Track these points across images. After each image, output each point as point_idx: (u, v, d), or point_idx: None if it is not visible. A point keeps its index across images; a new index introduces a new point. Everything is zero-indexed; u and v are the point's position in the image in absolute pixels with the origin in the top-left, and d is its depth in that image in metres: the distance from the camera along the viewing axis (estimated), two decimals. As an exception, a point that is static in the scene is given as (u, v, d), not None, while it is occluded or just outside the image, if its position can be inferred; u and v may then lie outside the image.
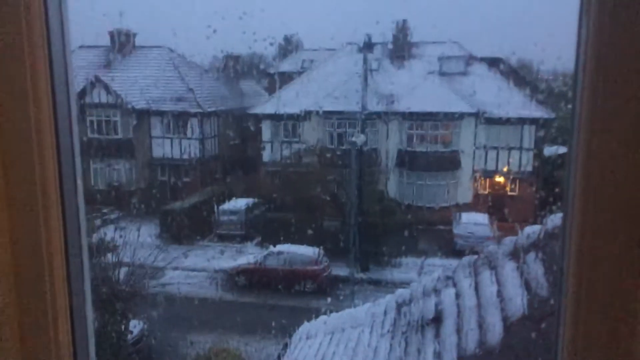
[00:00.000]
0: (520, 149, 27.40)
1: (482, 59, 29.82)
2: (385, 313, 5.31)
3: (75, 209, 1.04)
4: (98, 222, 19.42)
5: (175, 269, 19.41)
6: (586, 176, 0.89)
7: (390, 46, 30.80)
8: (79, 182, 1.06)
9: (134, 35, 33.23)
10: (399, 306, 5.19)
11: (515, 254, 3.91)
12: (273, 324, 15.18)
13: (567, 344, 0.93)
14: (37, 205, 0.96)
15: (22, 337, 0.99)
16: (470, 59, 29.67)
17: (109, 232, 15.88)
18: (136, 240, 15.41)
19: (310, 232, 21.29)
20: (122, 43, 32.54)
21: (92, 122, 29.70)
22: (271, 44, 35.33)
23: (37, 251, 0.97)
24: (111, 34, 32.45)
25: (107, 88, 29.74)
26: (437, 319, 4.14)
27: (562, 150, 29.02)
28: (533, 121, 26.77)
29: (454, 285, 4.47)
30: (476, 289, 4.04)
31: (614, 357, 0.88)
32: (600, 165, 0.87)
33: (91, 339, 1.07)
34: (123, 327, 14.45)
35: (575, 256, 0.90)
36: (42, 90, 0.96)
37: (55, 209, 0.98)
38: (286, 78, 31.33)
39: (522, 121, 26.43)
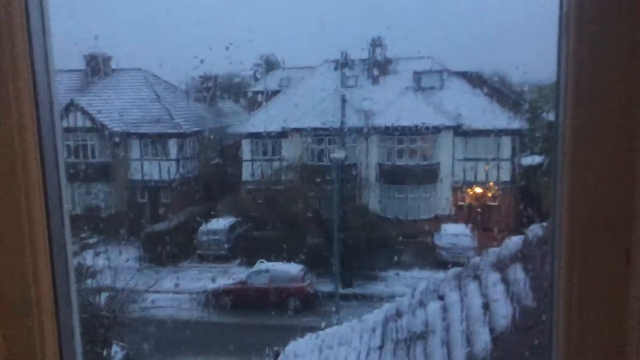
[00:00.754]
0: (498, 159, 27.81)
1: (458, 73, 30.33)
2: (372, 329, 5.30)
3: (62, 239, 1.02)
4: (76, 247, 19.08)
5: (158, 292, 19.09)
6: (572, 188, 0.90)
7: (367, 62, 31.16)
8: (66, 210, 1.05)
9: (110, 58, 33.06)
10: (386, 321, 5.18)
11: (499, 265, 3.94)
12: (260, 343, 15.00)
13: (560, 355, 0.94)
14: (23, 235, 0.94)
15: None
16: (445, 73, 30.16)
17: (88, 258, 15.59)
18: (116, 265, 15.17)
19: (293, 249, 21.20)
20: (97, 66, 32.33)
21: (69, 146, 29.30)
22: (256, 67, 35.50)
23: (25, 284, 0.95)
24: (86, 58, 32.23)
25: (83, 112, 29.45)
26: (425, 333, 4.13)
27: (538, 160, 29.54)
28: (509, 132, 27.23)
29: (440, 298, 4.48)
30: (462, 301, 4.05)
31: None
32: (585, 176, 0.89)
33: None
34: (105, 353, 14.15)
35: (565, 269, 0.92)
36: (26, 117, 0.95)
37: (42, 239, 0.97)
38: (265, 97, 31.41)
39: (499, 132, 26.86)
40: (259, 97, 31.70)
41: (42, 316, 0.97)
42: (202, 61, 24.78)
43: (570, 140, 0.90)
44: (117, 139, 29.66)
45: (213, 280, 21.23)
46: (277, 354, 7.16)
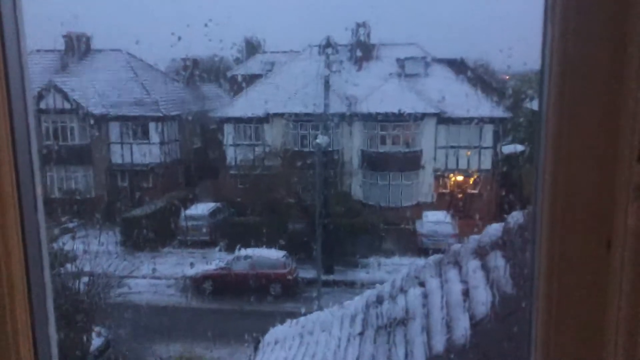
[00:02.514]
0: (480, 147, 28.04)
1: (442, 60, 30.39)
2: (353, 315, 5.33)
3: (35, 223, 0.99)
4: (56, 231, 18.82)
5: (137, 277, 18.97)
6: (554, 178, 0.90)
7: (351, 48, 31.03)
8: (39, 193, 1.02)
9: (90, 38, 32.41)
10: (367, 307, 5.21)
11: (479, 252, 3.98)
12: (240, 329, 15.03)
13: (540, 346, 0.94)
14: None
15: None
16: (429, 60, 30.19)
17: (67, 242, 15.41)
18: (96, 249, 15.03)
19: (275, 235, 21.21)
20: (77, 46, 31.67)
21: (47, 128, 28.78)
22: (235, 48, 35.10)
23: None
24: (66, 38, 31.55)
25: (62, 93, 28.89)
26: (406, 320, 4.17)
27: (519, 148, 29.89)
28: (492, 120, 27.44)
29: (421, 284, 4.52)
30: (442, 288, 4.09)
31: (585, 358, 0.89)
32: (567, 165, 0.89)
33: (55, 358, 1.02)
34: (85, 338, 14.07)
35: (545, 258, 0.92)
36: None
37: (14, 225, 0.93)
38: (248, 81, 31.13)
39: (481, 120, 27.06)
40: (241, 81, 31.40)
41: (14, 301, 0.95)
42: (179, 38, 24.30)
43: (553, 129, 0.89)
44: (96, 122, 29.20)
45: (193, 265, 21.17)
46: (257, 341, 7.18)
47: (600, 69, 0.85)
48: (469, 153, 27.98)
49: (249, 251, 21.14)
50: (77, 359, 13.29)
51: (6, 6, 0.94)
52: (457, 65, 30.36)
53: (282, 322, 7.40)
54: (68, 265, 14.28)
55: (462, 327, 3.32)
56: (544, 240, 0.92)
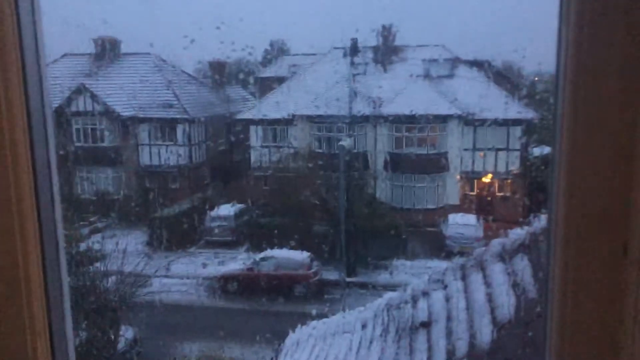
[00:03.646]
0: (507, 150, 27.61)
1: (468, 62, 30.05)
2: (375, 317, 5.30)
3: (52, 224, 1.01)
4: (85, 231, 19.21)
5: (165, 276, 19.23)
6: (570, 181, 0.88)
7: (376, 50, 30.92)
8: (57, 194, 1.04)
9: (119, 42, 33.06)
10: (389, 310, 5.18)
11: (503, 256, 3.92)
12: (264, 329, 15.10)
13: (555, 349, 0.92)
14: (13, 225, 0.93)
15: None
16: (455, 62, 29.88)
17: (96, 241, 15.70)
18: (124, 249, 15.27)
19: (300, 236, 21.25)
20: (106, 50, 32.34)
21: (78, 130, 29.44)
22: (250, 54, 35.35)
23: (14, 271, 0.95)
24: (95, 42, 32.25)
25: (92, 96, 29.51)
26: (428, 323, 4.13)
27: (547, 150, 29.33)
28: (519, 122, 27.00)
29: (444, 287, 4.47)
30: (466, 291, 4.04)
31: (601, 363, 0.87)
32: (584, 167, 0.87)
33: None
34: (112, 336, 14.31)
35: (561, 261, 0.90)
36: (16, 105, 0.93)
37: (32, 226, 0.96)
38: (273, 83, 31.31)
39: (508, 122, 26.65)
40: (267, 83, 31.60)
41: (31, 302, 0.97)
42: (192, 41, 24.61)
43: (569, 130, 0.88)
44: (125, 124, 29.76)
45: (220, 265, 21.34)
46: (280, 342, 7.20)
47: (616, 68, 0.83)
48: (482, 154, 27.54)
49: (274, 252, 21.23)
50: (105, 356, 13.53)
51: (24, 9, 0.96)
52: (484, 67, 29.97)
53: (305, 323, 7.42)
54: (97, 264, 14.55)
55: (485, 331, 3.27)
56: (559, 241, 0.90)
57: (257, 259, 21.33)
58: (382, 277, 22.01)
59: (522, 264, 3.44)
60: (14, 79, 0.94)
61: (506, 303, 3.32)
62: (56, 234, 1.01)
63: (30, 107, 0.96)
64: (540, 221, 3.84)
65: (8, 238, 0.94)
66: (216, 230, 25.35)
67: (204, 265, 22.45)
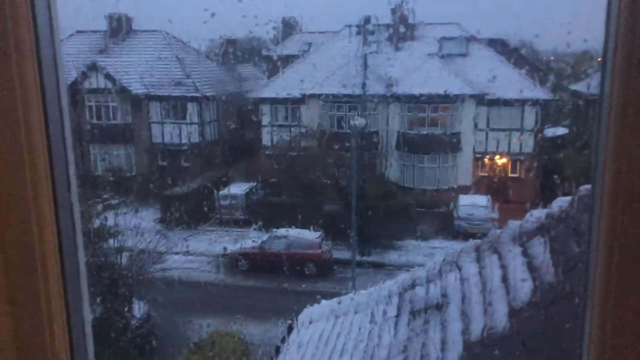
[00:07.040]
0: (521, 130, 27.27)
1: (483, 40, 29.54)
2: (389, 297, 5.29)
3: (68, 202, 0.98)
4: (99, 207, 19.38)
5: (177, 253, 19.42)
6: (616, 158, 0.83)
7: (390, 28, 30.48)
8: (72, 173, 1.00)
9: (131, 19, 32.89)
10: (402, 290, 5.16)
11: (520, 238, 3.86)
12: (275, 307, 15.24)
13: (595, 334, 0.88)
14: (28, 203, 0.90)
15: (16, 340, 0.94)
16: (470, 40, 29.39)
17: (110, 218, 15.85)
18: (137, 226, 15.40)
19: (310, 216, 21.29)
20: (118, 27, 32.22)
21: (90, 107, 29.52)
22: (274, 28, 34.97)
23: (30, 250, 0.92)
24: (107, 19, 32.12)
25: (104, 73, 29.50)
26: (442, 304, 4.10)
27: (561, 131, 28.94)
28: (534, 102, 26.60)
29: (459, 269, 4.43)
30: (481, 273, 4.00)
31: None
32: (631, 145, 0.82)
33: (89, 341, 1.02)
34: (126, 311, 14.52)
35: (604, 248, 0.85)
36: (29, 81, 0.89)
37: (48, 205, 0.92)
38: (285, 61, 31.05)
39: (523, 102, 26.27)
40: (278, 62, 31.36)
41: (47, 282, 0.94)
42: (213, 15, 24.42)
43: (617, 109, 0.82)
44: (137, 101, 29.77)
45: (231, 243, 21.49)
46: (291, 320, 7.24)
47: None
48: (513, 140, 27.21)
49: (285, 231, 21.32)
50: (119, 331, 13.75)
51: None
52: (499, 46, 29.47)
53: (316, 301, 7.44)
54: (111, 241, 14.70)
55: (501, 315, 3.24)
56: (603, 224, 0.85)
57: (268, 237, 21.44)
58: (393, 257, 22.06)
59: (541, 248, 3.38)
60: (28, 56, 0.90)
61: (523, 287, 3.27)
62: (72, 211, 0.98)
63: (44, 85, 0.92)
64: (559, 203, 3.76)
65: (24, 216, 0.91)
66: (227, 209, 25.49)
67: (215, 243, 22.61)
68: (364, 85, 26.39)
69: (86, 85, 28.97)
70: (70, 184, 0.97)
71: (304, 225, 20.98)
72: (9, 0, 0.88)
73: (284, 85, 28.92)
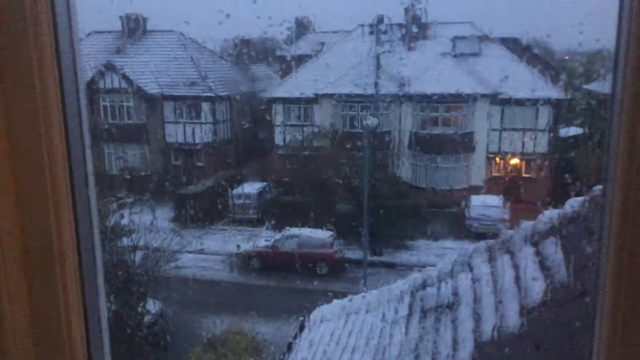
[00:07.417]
0: (535, 130, 27.04)
1: (496, 39, 29.33)
2: (400, 297, 5.29)
3: (86, 199, 1.00)
4: (114, 206, 19.56)
5: (190, 252, 19.55)
6: (628, 157, 0.83)
7: (402, 27, 30.38)
8: (90, 170, 1.03)
9: (145, 19, 33.15)
10: (414, 290, 5.16)
11: (533, 239, 3.84)
12: (287, 306, 15.28)
13: (604, 333, 0.88)
14: (47, 200, 0.92)
15: (34, 336, 0.96)
16: (484, 40, 29.20)
17: (124, 217, 15.99)
18: (151, 224, 15.53)
19: (322, 215, 21.30)
20: (133, 28, 32.49)
21: (105, 107, 29.81)
22: (288, 28, 35.02)
23: (48, 246, 0.94)
24: (122, 19, 32.40)
25: (119, 73, 29.77)
26: (453, 304, 4.10)
27: (574, 131, 28.61)
28: (548, 102, 26.35)
29: (470, 269, 4.42)
30: (493, 274, 3.98)
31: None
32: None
33: (105, 336, 1.04)
34: (139, 309, 14.65)
35: (614, 246, 0.85)
36: (49, 80, 0.92)
37: (66, 202, 0.95)
38: (298, 61, 31.09)
39: (536, 102, 26.04)
40: (291, 61, 31.41)
41: (65, 278, 0.96)
42: (228, 15, 24.54)
43: (629, 108, 0.82)
44: (151, 101, 30.01)
45: (243, 242, 21.58)
46: (303, 319, 7.26)
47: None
48: (525, 140, 26.99)
49: (296, 230, 21.36)
50: (132, 327, 13.88)
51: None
52: (513, 45, 29.23)
53: (327, 301, 7.45)
54: (125, 239, 14.84)
55: (513, 315, 3.23)
56: (614, 223, 0.85)
57: (280, 237, 21.49)
58: (405, 257, 21.99)
59: (553, 248, 3.37)
60: (48, 56, 0.92)
61: (536, 287, 3.26)
62: (90, 208, 1.00)
63: (64, 85, 0.95)
64: (572, 204, 3.74)
65: (44, 212, 0.93)
66: (240, 208, 25.59)
67: (228, 242, 22.72)
68: (376, 84, 26.34)
69: (100, 85, 29.26)
70: (88, 181, 1.00)
71: (316, 225, 20.99)
72: (29, 1, 0.90)
73: (297, 85, 28.96)
